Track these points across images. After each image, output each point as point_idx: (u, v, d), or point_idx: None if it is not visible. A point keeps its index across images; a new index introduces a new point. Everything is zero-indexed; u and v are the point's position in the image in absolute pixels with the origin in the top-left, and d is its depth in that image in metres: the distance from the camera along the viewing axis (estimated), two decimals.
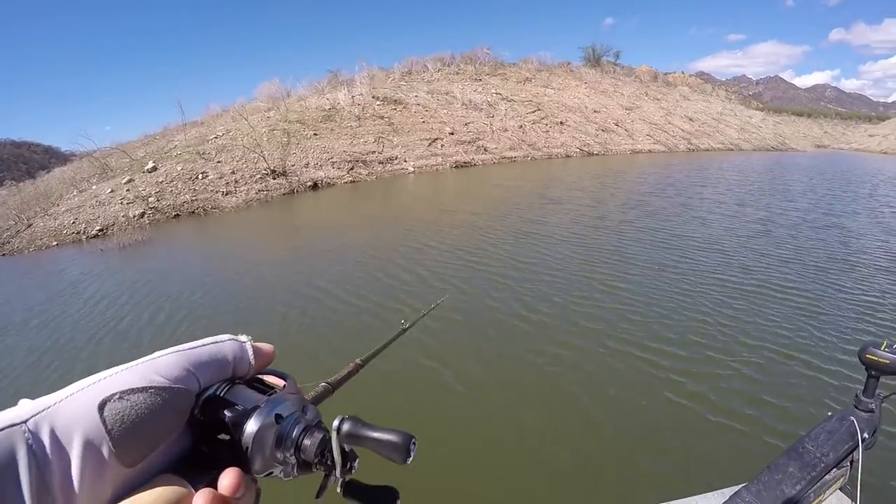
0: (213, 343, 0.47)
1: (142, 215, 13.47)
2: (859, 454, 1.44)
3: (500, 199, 14.04)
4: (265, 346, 0.52)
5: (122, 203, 13.87)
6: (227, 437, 0.44)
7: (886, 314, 5.75)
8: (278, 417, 0.45)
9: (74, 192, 15.16)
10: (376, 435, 0.45)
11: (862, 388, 1.53)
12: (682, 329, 5.27)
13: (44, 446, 0.35)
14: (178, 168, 16.10)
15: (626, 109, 38.22)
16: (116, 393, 0.38)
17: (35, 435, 0.35)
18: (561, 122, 31.46)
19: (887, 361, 1.42)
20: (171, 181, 15.35)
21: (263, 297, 6.80)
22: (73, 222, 12.88)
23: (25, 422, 0.35)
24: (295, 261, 8.62)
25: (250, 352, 0.49)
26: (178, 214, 14.05)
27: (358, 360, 0.78)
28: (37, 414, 0.36)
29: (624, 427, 3.71)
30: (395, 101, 26.37)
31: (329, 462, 0.47)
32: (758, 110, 64.01)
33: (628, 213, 11.73)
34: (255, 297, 6.83)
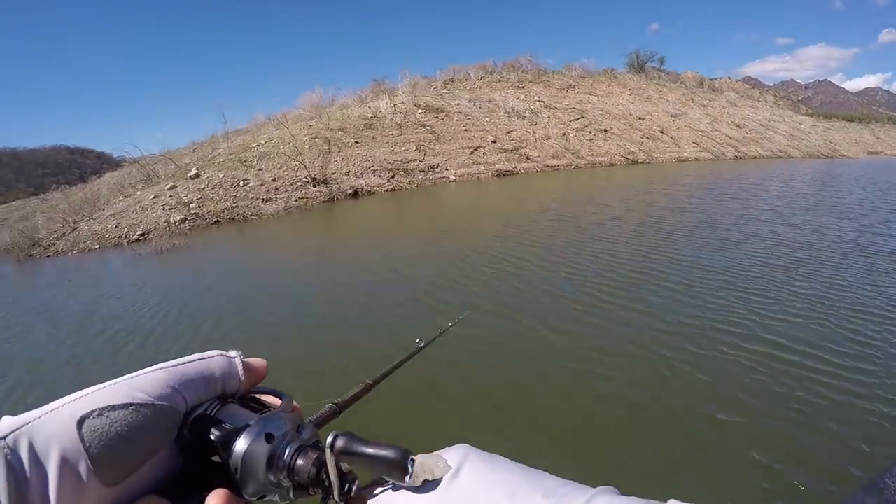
0: (199, 359, 0.45)
1: (183, 221, 13.50)
2: None
3: (511, 213, 12.94)
4: (256, 362, 0.49)
5: (164, 209, 13.95)
6: (220, 460, 0.42)
7: None
8: (269, 437, 0.42)
9: (120, 198, 15.38)
10: (372, 451, 0.43)
11: None
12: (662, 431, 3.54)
13: (22, 462, 0.34)
14: (220, 175, 16.15)
15: (671, 116, 37.13)
16: (96, 409, 0.37)
17: (14, 451, 0.34)
18: (605, 130, 30.72)
19: None
20: (213, 188, 15.38)
21: (272, 312, 6.38)
22: (117, 226, 13.01)
23: (5, 437, 0.35)
24: (308, 275, 8.26)
25: (240, 367, 0.47)
26: (217, 221, 14.02)
27: (368, 381, 0.72)
28: (17, 430, 0.35)
29: None
30: (437, 109, 26.12)
31: (326, 484, 0.43)
32: (807, 115, 61.65)
33: (641, 236, 9.70)
34: (266, 311, 6.41)
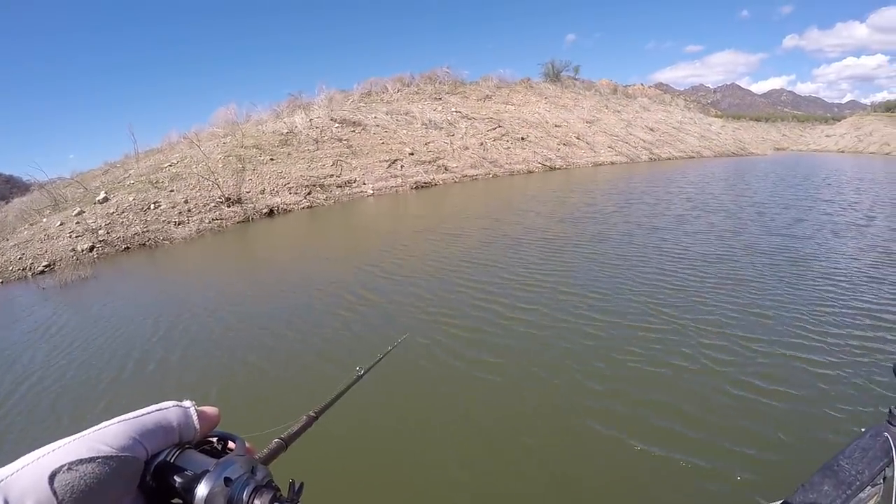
0: (157, 410, 0.49)
1: (91, 249, 13.46)
2: (892, 471, 1.36)
3: (388, 233, 13.13)
4: (209, 410, 0.54)
5: (70, 236, 13.84)
6: (180, 503, 0.47)
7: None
8: (227, 480, 0.46)
9: (26, 226, 15.05)
10: None
11: None
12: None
13: None
14: (130, 198, 16.12)
15: (586, 123, 39.03)
16: (65, 464, 0.40)
17: None
18: (522, 138, 32.03)
19: None
20: (123, 212, 15.35)
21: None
22: (20, 258, 12.80)
23: None
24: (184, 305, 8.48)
25: (195, 417, 0.51)
26: (127, 247, 14.06)
27: (311, 413, 0.75)
28: None
29: None
30: (354, 122, 26.66)
31: None
32: (717, 117, 65.69)
33: (520, 258, 9.28)
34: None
